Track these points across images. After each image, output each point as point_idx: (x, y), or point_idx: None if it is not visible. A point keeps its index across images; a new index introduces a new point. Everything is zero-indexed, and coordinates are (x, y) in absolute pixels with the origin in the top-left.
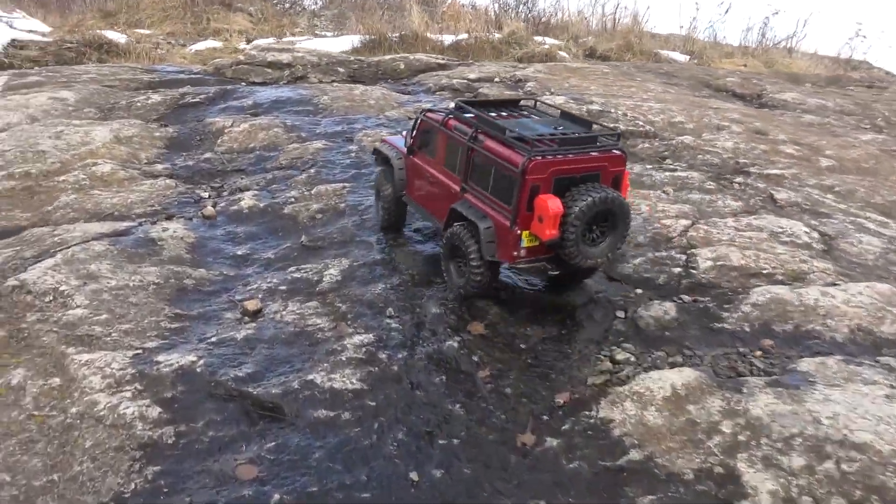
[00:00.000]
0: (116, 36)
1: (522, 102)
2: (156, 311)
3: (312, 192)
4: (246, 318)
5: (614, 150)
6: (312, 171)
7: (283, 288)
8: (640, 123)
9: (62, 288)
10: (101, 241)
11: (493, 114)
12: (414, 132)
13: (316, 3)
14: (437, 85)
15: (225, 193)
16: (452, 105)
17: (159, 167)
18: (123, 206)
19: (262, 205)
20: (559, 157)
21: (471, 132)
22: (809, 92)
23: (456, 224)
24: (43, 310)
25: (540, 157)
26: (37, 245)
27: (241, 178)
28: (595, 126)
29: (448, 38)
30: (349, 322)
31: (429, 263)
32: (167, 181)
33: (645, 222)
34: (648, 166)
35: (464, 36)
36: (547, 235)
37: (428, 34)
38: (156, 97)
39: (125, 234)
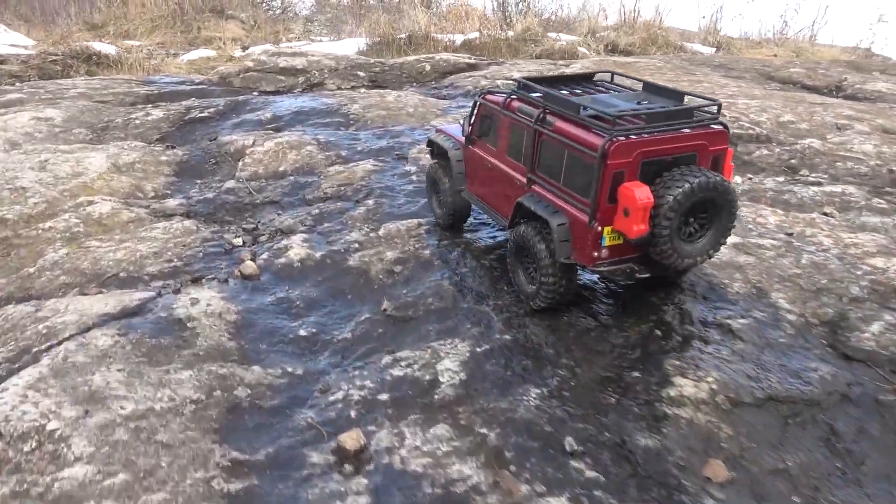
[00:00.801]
0: (105, 47)
1: (598, 77)
2: (202, 460)
3: (380, 233)
4: (345, 464)
5: (714, 125)
6: (370, 202)
7: (383, 397)
8: (745, 124)
9: (51, 425)
10: (105, 329)
11: (563, 91)
12: (472, 118)
13: (308, 9)
14: (476, 87)
15: (263, 238)
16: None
17: (172, 202)
18: (131, 262)
19: (317, 254)
20: (647, 136)
21: (538, 113)
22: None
23: (522, 222)
24: (21, 469)
25: (623, 138)
26: (12, 340)
27: (279, 215)
28: (687, 97)
29: (457, 38)
30: (514, 471)
31: (593, 340)
32: (185, 223)
33: (842, 263)
34: (780, 179)
35: (474, 35)
36: (634, 232)
37: (436, 34)
38: (156, 113)
39: (139, 312)
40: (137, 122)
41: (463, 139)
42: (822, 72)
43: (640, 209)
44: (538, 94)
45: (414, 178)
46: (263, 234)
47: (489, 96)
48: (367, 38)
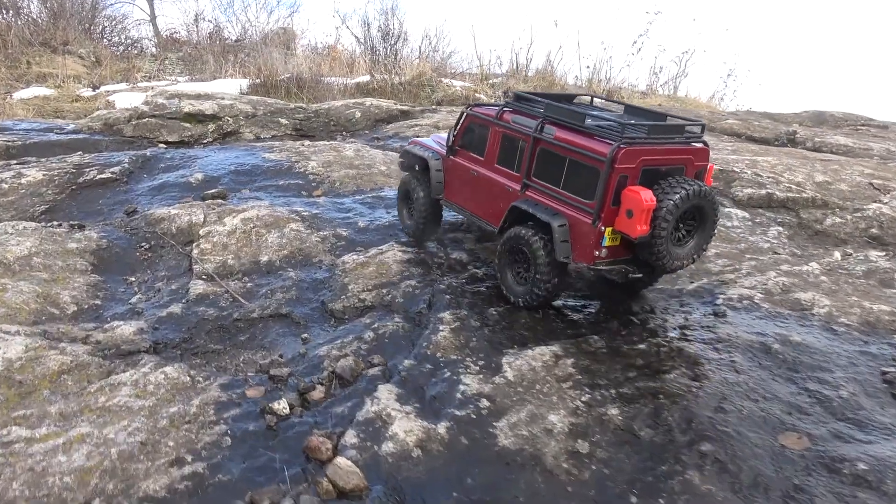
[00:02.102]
0: None
1: (577, 99)
2: None
3: (507, 375)
4: None
5: (698, 143)
6: (447, 316)
7: None
8: (790, 186)
9: None
10: None
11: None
12: (456, 129)
13: (152, 47)
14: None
15: (318, 393)
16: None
17: (124, 329)
18: (107, 495)
19: (439, 429)
20: (649, 146)
21: (537, 123)
22: (846, 133)
23: (518, 226)
24: None
25: (628, 146)
26: None
27: (305, 341)
28: (669, 118)
29: (344, 80)
30: None
31: None
32: (165, 370)
33: None
34: (873, 255)
35: (364, 78)
36: (637, 231)
37: (327, 77)
38: (32, 173)
39: None
40: (5, 186)
41: (441, 150)
42: (755, 123)
43: (644, 210)
44: (536, 107)
45: (480, 271)
46: (312, 385)
47: (478, 108)
48: (249, 79)
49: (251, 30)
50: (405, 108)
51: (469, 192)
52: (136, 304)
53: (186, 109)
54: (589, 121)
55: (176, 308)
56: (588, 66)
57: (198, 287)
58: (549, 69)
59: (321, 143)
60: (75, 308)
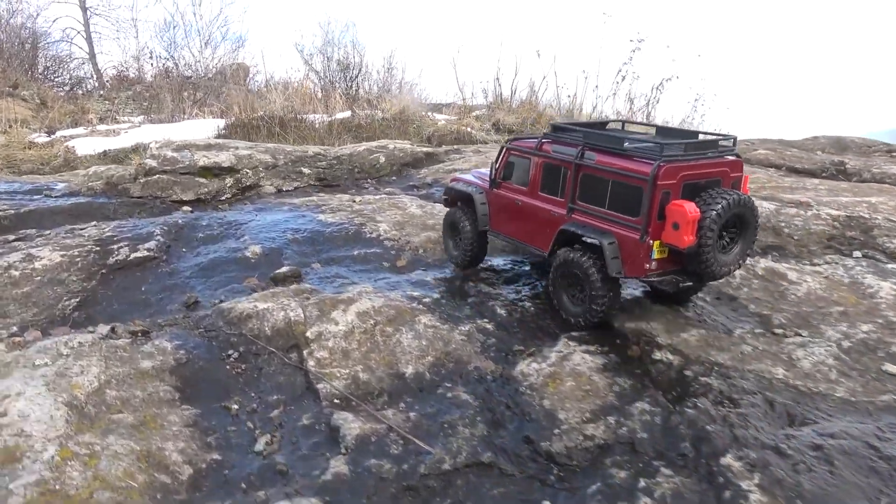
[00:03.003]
0: None
1: (611, 125)
2: None
3: None
4: None
5: (731, 156)
6: (764, 460)
7: None
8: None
9: None
10: None
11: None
12: (498, 164)
13: (95, 86)
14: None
15: None
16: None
17: None
18: None
19: None
20: (687, 162)
21: (577, 151)
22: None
23: (566, 249)
24: None
25: (668, 163)
26: None
27: None
28: (700, 135)
29: (319, 117)
30: None
31: None
32: None
33: None
34: None
35: (345, 114)
36: (685, 242)
37: (307, 115)
38: (48, 255)
39: None
40: (16, 273)
41: (483, 184)
42: (787, 152)
43: (690, 222)
44: (570, 137)
45: (717, 380)
46: None
47: (517, 142)
48: (225, 119)
49: (196, 65)
50: (429, 149)
51: (515, 221)
52: (268, 452)
53: (201, 163)
54: (627, 143)
55: (339, 464)
56: (569, 96)
57: (351, 426)
58: (532, 99)
59: (375, 197)
60: (191, 470)
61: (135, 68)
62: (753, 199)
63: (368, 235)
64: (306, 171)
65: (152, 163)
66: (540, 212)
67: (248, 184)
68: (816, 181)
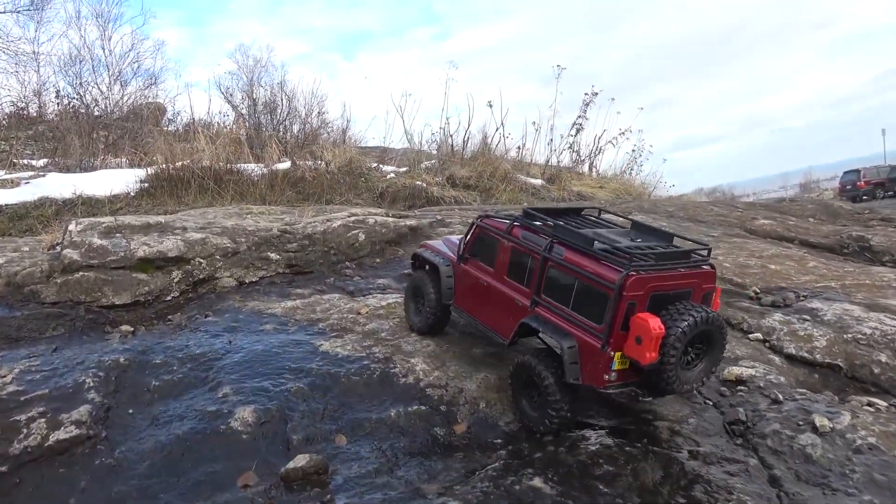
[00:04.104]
0: None
1: (585, 212)
2: None
3: None
4: None
5: (705, 267)
6: None
7: None
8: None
9: None
10: None
11: (560, 223)
12: (467, 238)
13: None
14: None
15: None
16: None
17: None
18: None
19: None
20: (656, 272)
21: (546, 242)
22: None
23: (526, 355)
24: None
25: (637, 273)
26: None
27: None
28: (676, 239)
29: (255, 168)
30: None
31: None
32: None
33: None
34: None
35: (285, 165)
36: (647, 359)
37: (241, 165)
38: None
39: None
40: None
41: (452, 255)
42: (790, 222)
43: (653, 339)
44: (540, 224)
45: None
46: None
47: (488, 220)
48: (146, 169)
49: (105, 102)
50: (412, 223)
51: (479, 301)
52: None
53: (141, 253)
54: (597, 244)
55: None
56: (518, 147)
57: None
58: (485, 151)
59: (379, 300)
60: None
61: (35, 105)
62: (722, 318)
63: (402, 380)
64: (273, 256)
65: (73, 255)
66: (505, 297)
67: (201, 277)
68: (882, 269)
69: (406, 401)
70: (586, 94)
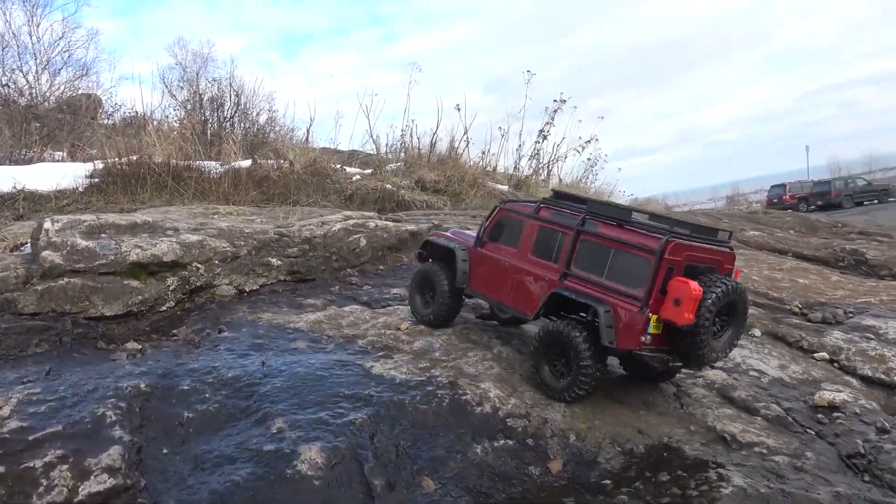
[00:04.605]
0: None
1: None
2: None
3: None
4: None
5: (727, 248)
6: None
7: None
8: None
9: None
10: None
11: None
12: (488, 223)
13: None
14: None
15: None
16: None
17: None
18: None
19: None
20: (692, 243)
21: (580, 218)
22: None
23: (555, 319)
24: None
25: (675, 240)
26: None
27: None
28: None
29: (214, 165)
30: None
31: None
32: None
33: None
34: None
35: (245, 163)
36: (685, 319)
37: (200, 161)
38: None
39: None
40: None
41: (467, 242)
42: (778, 234)
43: (693, 299)
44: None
45: None
46: None
47: (511, 204)
48: (93, 163)
49: (32, 92)
50: (413, 228)
51: (498, 281)
52: None
53: (133, 257)
54: (635, 215)
55: None
56: (484, 151)
57: None
58: (453, 154)
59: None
60: None
61: None
62: (745, 291)
63: (477, 409)
64: (275, 261)
65: (55, 258)
66: (529, 274)
67: (198, 284)
68: (856, 279)
69: (488, 434)
70: (555, 100)
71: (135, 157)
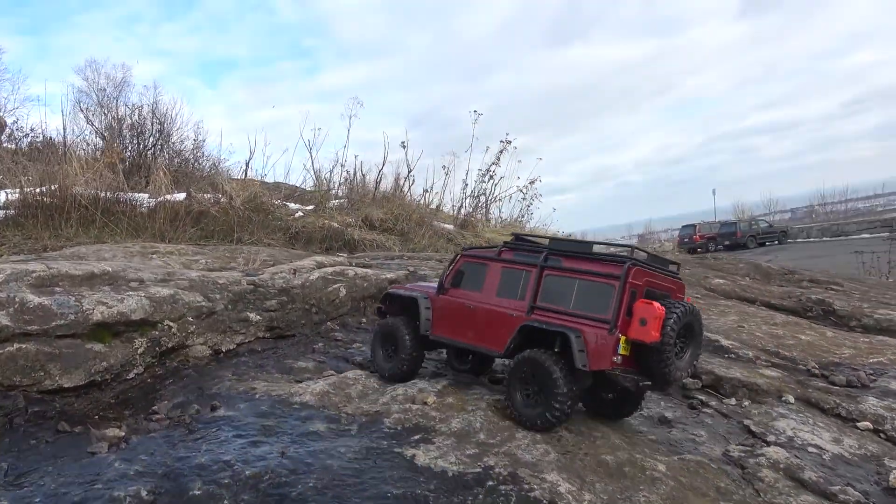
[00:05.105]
0: None
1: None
2: None
3: None
4: None
5: (678, 278)
6: None
7: None
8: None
9: None
10: None
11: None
12: (450, 270)
13: None
14: None
15: None
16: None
17: None
18: None
19: None
20: (650, 270)
21: (543, 255)
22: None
23: (529, 350)
24: None
25: (636, 266)
26: None
27: None
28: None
29: (145, 198)
30: None
31: None
32: None
33: None
34: None
35: (179, 196)
36: (652, 337)
37: (130, 194)
38: None
39: None
40: None
41: (428, 290)
42: (741, 282)
43: (657, 318)
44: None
45: None
46: None
47: (473, 251)
48: (7, 193)
49: None
50: (391, 276)
51: (464, 324)
52: None
53: (98, 316)
54: (596, 247)
55: None
56: (426, 189)
57: None
58: (398, 192)
59: (433, 387)
60: None
61: None
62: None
63: None
64: (253, 316)
65: (1, 318)
66: (497, 313)
67: (170, 345)
68: (831, 332)
69: None
70: (502, 141)
71: (55, 187)
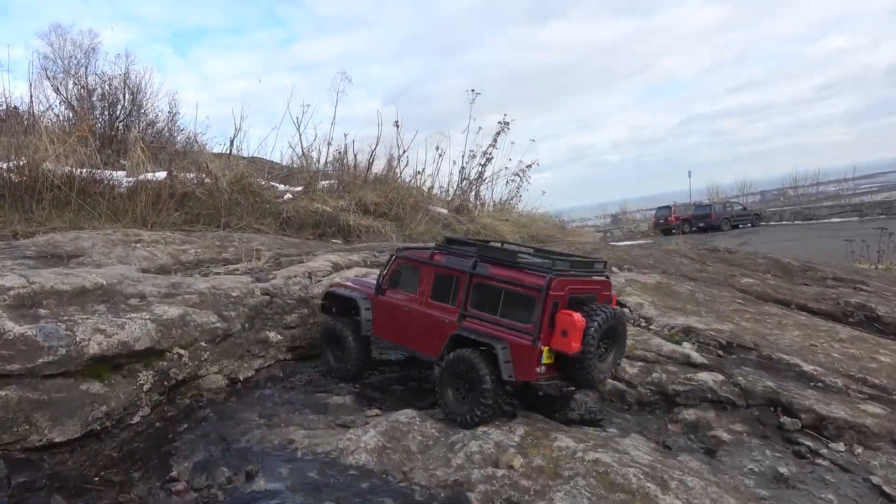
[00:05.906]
0: None
1: (491, 243)
2: None
3: None
4: None
5: (603, 277)
6: None
7: None
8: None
9: None
10: None
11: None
12: (386, 271)
13: None
14: None
15: None
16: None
17: None
18: None
19: None
20: (573, 278)
21: (472, 262)
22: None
23: (462, 350)
24: None
25: (558, 276)
26: None
27: None
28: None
29: (123, 176)
30: None
31: None
32: None
33: None
34: None
35: (160, 175)
36: (573, 348)
37: (96, 171)
38: None
39: None
40: None
41: (367, 290)
42: (773, 283)
43: (577, 329)
44: (461, 249)
45: None
46: None
47: (407, 252)
48: None
49: None
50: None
51: (401, 326)
52: None
53: (95, 349)
54: (521, 257)
55: None
56: (418, 171)
57: None
58: (391, 174)
59: (511, 435)
60: None
61: None
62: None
63: None
64: (273, 336)
65: None
66: (429, 318)
67: (180, 378)
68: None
69: None
70: (499, 122)
71: (23, 163)
